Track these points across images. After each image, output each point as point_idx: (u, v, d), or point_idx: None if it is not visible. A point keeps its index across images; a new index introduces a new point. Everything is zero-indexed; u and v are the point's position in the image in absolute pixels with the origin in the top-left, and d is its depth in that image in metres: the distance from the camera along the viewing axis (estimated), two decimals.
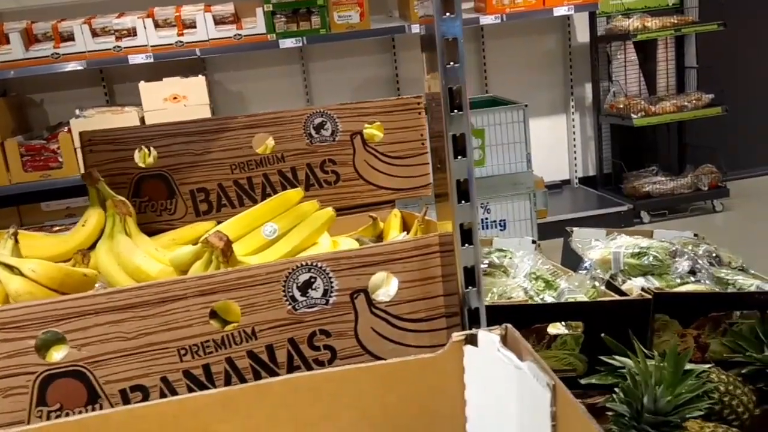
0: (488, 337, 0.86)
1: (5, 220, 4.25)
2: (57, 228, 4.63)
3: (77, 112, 4.15)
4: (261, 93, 4.70)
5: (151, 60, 4.04)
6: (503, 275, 1.75)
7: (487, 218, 3.54)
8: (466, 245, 0.98)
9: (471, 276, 0.99)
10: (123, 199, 1.23)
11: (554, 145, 5.19)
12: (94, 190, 1.29)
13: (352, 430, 0.88)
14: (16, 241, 1.10)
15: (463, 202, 0.97)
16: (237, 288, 1.02)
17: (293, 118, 1.45)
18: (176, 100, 4.12)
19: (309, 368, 1.05)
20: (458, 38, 0.92)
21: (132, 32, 4.00)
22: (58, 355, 0.99)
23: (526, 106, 3.60)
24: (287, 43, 4.09)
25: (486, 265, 1.72)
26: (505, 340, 0.87)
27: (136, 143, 1.40)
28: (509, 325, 0.87)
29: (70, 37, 3.95)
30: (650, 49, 5.15)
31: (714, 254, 1.79)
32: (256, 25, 4.04)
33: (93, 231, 1.26)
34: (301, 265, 1.04)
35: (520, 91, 4.65)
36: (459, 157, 0.96)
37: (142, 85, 4.06)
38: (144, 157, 1.41)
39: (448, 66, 0.92)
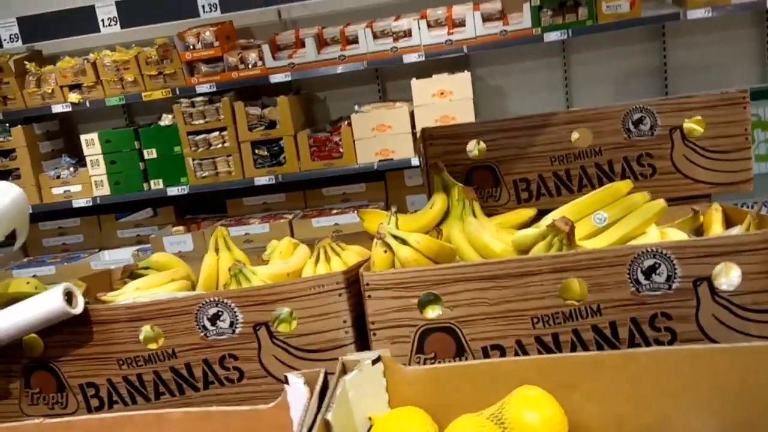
0: None
1: (293, 202, 4.89)
2: (335, 211, 5.18)
3: (356, 107, 4.61)
4: (519, 86, 4.81)
5: (423, 58, 4.35)
6: None
7: None
8: None
9: None
10: (469, 187, 1.42)
11: None
12: (438, 179, 1.50)
13: (707, 404, 0.95)
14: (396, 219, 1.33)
15: None
16: (586, 268, 1.14)
17: (612, 114, 1.53)
18: (443, 96, 4.39)
19: (648, 347, 1.14)
20: None
21: (407, 33, 4.34)
22: (433, 313, 1.19)
23: None
24: (552, 36, 4.14)
25: None
26: None
27: (468, 137, 1.59)
28: None
29: (355, 40, 4.40)
30: None
31: None
32: (521, 20, 4.14)
33: (438, 212, 1.47)
34: (647, 251, 1.13)
35: None
36: None
37: (413, 82, 4.39)
38: (475, 150, 1.59)
39: None
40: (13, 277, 4.78)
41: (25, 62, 4.68)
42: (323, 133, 4.61)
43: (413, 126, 4.42)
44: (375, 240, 1.26)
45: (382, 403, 0.99)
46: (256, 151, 4.52)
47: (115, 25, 4.55)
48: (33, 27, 4.56)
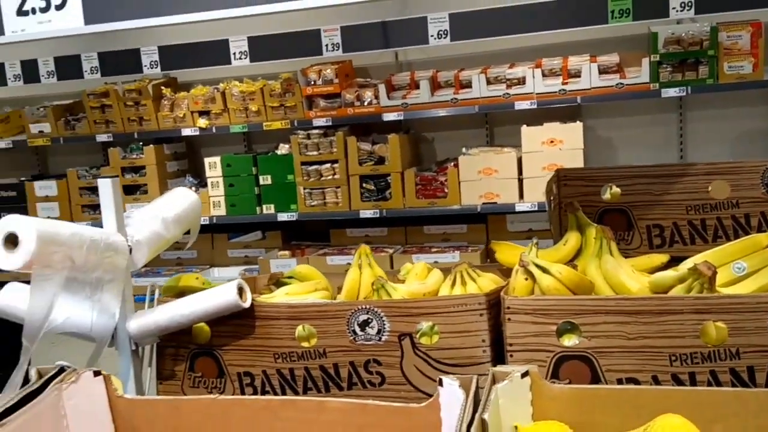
0: None
1: (394, 237, 5.02)
2: (435, 249, 5.23)
3: (463, 150, 4.72)
4: (631, 139, 4.79)
5: (535, 106, 4.42)
6: None
7: None
8: None
9: None
10: (607, 227, 1.48)
11: None
12: (573, 217, 1.57)
13: None
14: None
15: None
16: (728, 312, 1.18)
17: (751, 169, 1.56)
18: (553, 144, 4.44)
19: None
20: None
21: (521, 81, 4.43)
22: (570, 341, 1.25)
23: None
24: (670, 92, 4.12)
25: None
26: None
27: (602, 181, 1.65)
28: None
29: (468, 85, 4.54)
30: None
31: None
32: (639, 74, 4.16)
33: (572, 249, 1.53)
34: None
35: None
36: None
37: (524, 128, 4.46)
38: (607, 194, 1.65)
39: None
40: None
41: (162, 87, 5.08)
42: (430, 172, 4.74)
43: (520, 172, 4.48)
44: (516, 267, 1.34)
45: (526, 415, 1.06)
46: (364, 184, 4.70)
47: (245, 58, 4.90)
48: (172, 55, 4.98)
